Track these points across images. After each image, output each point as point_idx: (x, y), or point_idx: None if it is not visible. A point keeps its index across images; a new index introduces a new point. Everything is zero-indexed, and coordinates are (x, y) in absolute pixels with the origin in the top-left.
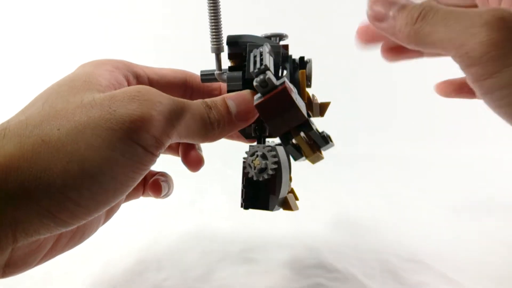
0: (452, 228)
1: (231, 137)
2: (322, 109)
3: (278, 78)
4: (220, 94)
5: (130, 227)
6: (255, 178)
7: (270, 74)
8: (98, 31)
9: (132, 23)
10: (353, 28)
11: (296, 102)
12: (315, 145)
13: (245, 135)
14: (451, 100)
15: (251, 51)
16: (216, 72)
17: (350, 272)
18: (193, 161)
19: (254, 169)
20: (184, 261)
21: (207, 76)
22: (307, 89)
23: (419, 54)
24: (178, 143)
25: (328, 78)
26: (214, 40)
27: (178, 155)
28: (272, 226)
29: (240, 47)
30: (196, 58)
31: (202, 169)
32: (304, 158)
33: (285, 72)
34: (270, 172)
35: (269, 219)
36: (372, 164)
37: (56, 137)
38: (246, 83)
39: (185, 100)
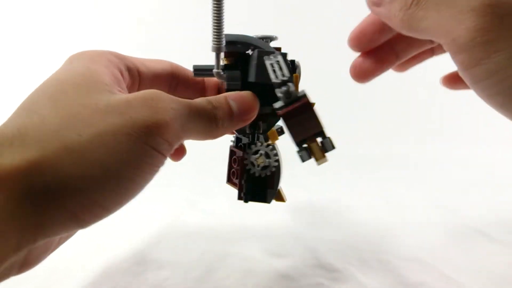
0: (452, 228)
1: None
2: None
3: None
4: (204, 87)
5: (130, 227)
6: (257, 175)
7: (292, 86)
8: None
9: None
10: (352, 24)
11: (316, 113)
12: (323, 149)
13: (240, 132)
14: (452, 99)
15: (261, 57)
16: (215, 70)
17: (350, 272)
18: (177, 151)
19: (258, 166)
20: (184, 261)
21: (201, 72)
22: None
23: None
24: None
25: (328, 78)
26: (216, 39)
27: None
28: (272, 226)
29: (236, 47)
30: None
31: (203, 169)
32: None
33: None
34: (273, 169)
35: (269, 219)
36: (372, 164)
37: (77, 143)
38: (247, 85)
39: (192, 102)
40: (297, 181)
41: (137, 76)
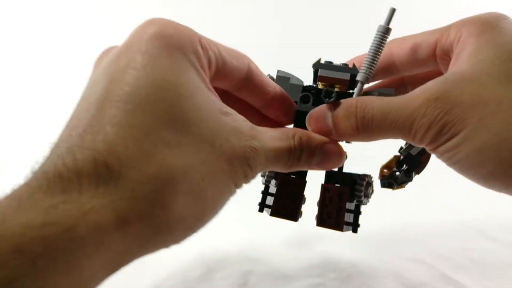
0: (453, 228)
1: None
2: None
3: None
4: (273, 100)
5: None
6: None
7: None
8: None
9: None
10: (359, 27)
11: None
12: None
13: None
14: None
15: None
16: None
17: (351, 272)
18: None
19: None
20: (184, 261)
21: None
22: None
23: None
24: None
25: None
26: (369, 69)
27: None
28: (272, 227)
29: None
30: None
31: None
32: None
33: None
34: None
35: (269, 219)
36: (372, 164)
37: (200, 186)
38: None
39: (280, 155)
40: None
41: (213, 71)
